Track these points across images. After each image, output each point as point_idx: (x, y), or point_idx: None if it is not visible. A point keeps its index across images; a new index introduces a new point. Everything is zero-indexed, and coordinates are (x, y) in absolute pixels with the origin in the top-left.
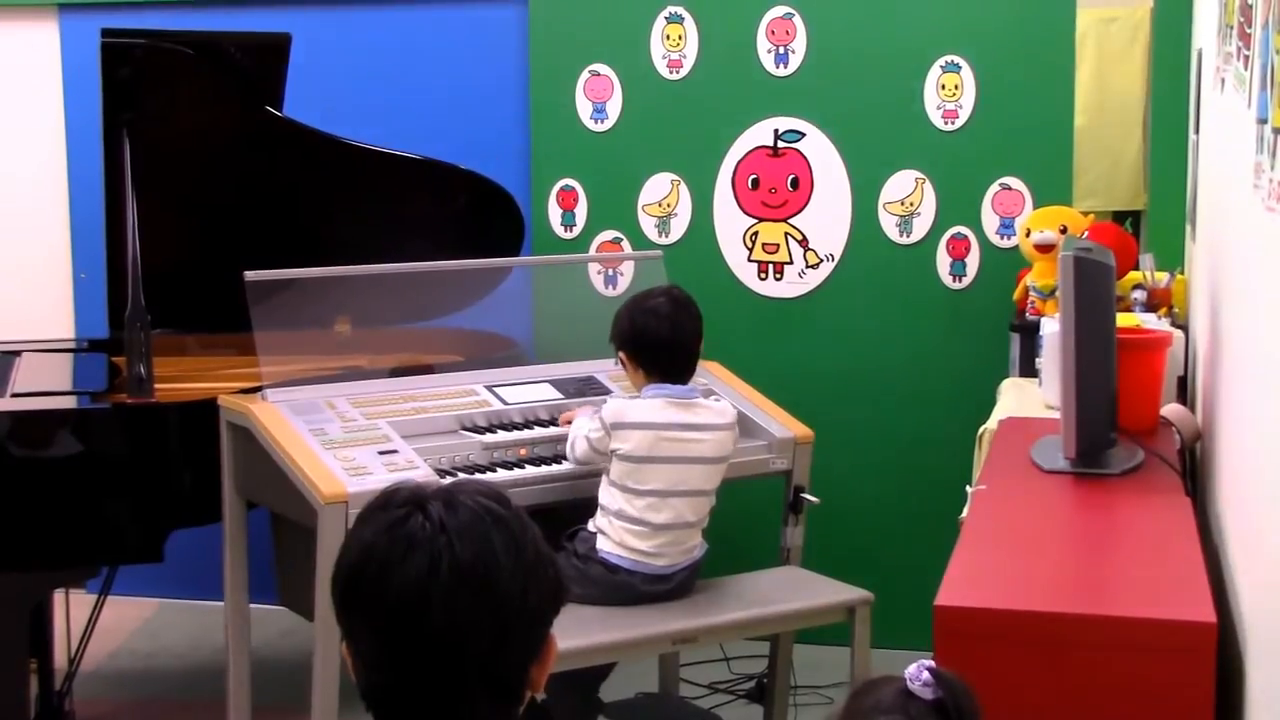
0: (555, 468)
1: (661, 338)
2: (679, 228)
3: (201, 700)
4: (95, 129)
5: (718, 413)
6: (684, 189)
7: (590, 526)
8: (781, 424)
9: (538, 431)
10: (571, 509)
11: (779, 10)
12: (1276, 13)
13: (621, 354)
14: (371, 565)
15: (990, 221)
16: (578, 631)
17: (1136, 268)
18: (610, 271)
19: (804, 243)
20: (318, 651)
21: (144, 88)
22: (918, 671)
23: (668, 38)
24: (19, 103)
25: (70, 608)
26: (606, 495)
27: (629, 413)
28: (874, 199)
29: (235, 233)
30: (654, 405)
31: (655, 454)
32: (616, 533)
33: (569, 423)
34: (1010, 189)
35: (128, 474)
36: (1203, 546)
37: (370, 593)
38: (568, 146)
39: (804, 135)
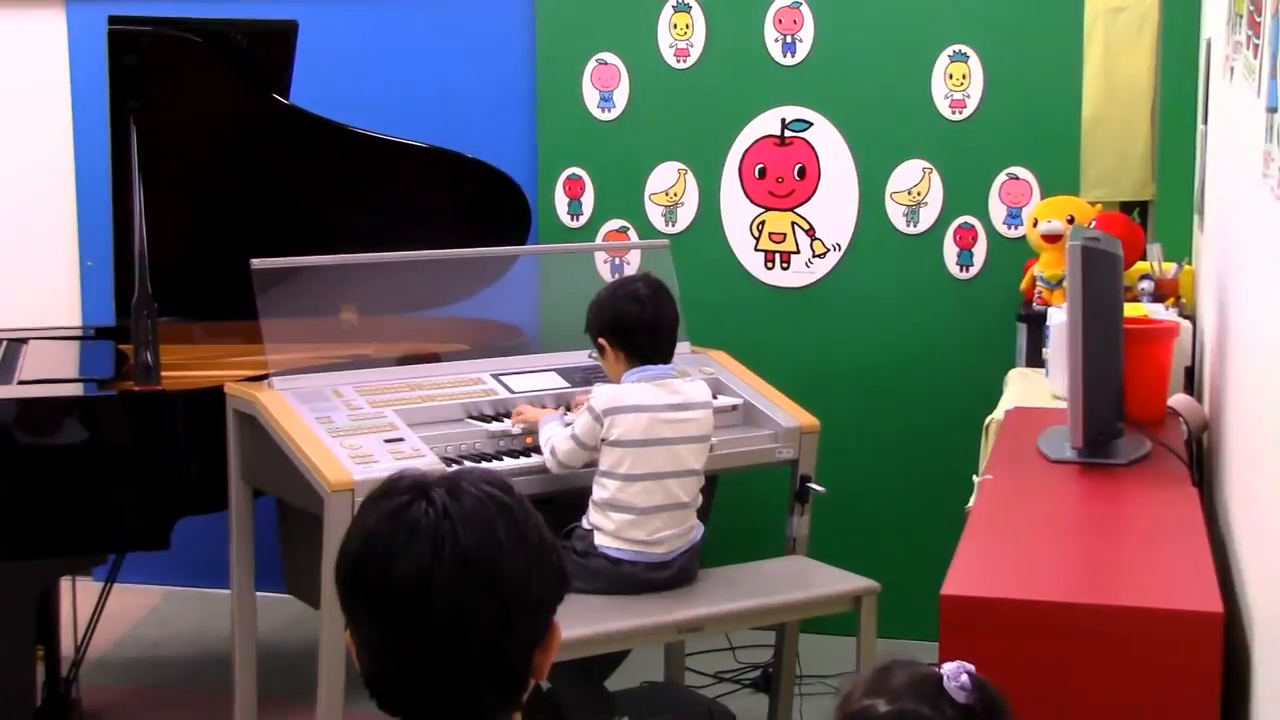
0: None
1: (645, 321)
2: (686, 217)
3: (208, 688)
4: (102, 117)
5: (698, 390)
6: (691, 178)
7: (585, 523)
8: (788, 413)
9: None
10: (574, 497)
11: None
12: None
13: (602, 341)
14: (374, 552)
15: (997, 211)
16: (584, 620)
17: (1144, 258)
18: (617, 260)
19: (811, 232)
20: (323, 639)
21: (151, 75)
22: (956, 672)
23: (675, 26)
24: (26, 90)
25: (77, 595)
26: (598, 488)
27: (624, 397)
28: (881, 188)
29: (241, 220)
30: (643, 389)
31: (650, 436)
32: (614, 525)
33: (522, 420)
34: (1018, 179)
35: (134, 462)
36: (1209, 537)
37: (373, 580)
38: (574, 135)
39: (811, 124)
